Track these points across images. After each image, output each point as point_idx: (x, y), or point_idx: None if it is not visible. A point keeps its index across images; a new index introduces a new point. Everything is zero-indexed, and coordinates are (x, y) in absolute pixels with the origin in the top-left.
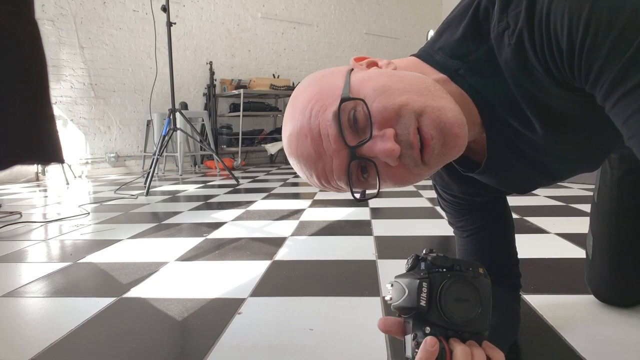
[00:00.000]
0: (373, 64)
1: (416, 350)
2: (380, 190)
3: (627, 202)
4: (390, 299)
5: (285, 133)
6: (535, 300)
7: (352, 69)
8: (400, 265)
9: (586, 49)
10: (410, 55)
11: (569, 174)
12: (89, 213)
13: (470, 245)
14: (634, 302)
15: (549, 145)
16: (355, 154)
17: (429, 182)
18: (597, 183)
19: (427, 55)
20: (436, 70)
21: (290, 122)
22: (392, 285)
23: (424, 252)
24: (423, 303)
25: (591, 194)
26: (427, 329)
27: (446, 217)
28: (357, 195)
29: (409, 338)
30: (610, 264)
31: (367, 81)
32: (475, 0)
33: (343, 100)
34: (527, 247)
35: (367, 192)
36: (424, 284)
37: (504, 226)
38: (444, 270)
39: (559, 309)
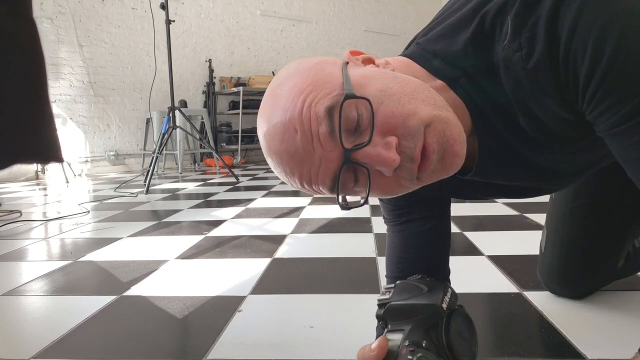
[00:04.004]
0: (369, 61)
1: (409, 357)
2: (367, 199)
3: (582, 199)
4: (388, 298)
5: (264, 126)
6: (534, 296)
7: (347, 63)
8: None
9: (605, 83)
10: (401, 55)
11: (556, 184)
12: (88, 211)
13: (412, 241)
14: (582, 294)
15: (535, 155)
16: (349, 157)
17: None
18: None
19: (423, 58)
20: (432, 76)
21: (274, 114)
22: (394, 286)
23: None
24: (445, 305)
25: None
26: (425, 343)
27: (384, 214)
28: (343, 203)
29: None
30: (560, 257)
31: (369, 79)
32: (479, 13)
33: (348, 96)
34: (526, 243)
35: (350, 199)
36: (449, 289)
37: (446, 226)
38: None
39: (558, 305)
